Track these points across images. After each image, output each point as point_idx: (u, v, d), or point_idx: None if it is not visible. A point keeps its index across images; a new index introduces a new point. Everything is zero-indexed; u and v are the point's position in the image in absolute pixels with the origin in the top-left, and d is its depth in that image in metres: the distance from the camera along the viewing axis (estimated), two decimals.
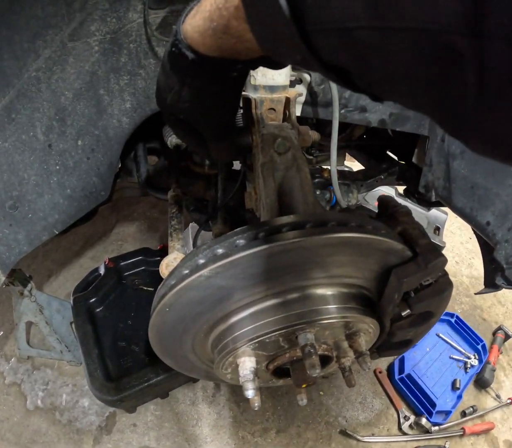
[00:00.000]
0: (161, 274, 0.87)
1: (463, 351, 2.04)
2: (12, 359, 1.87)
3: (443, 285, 0.74)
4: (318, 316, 0.69)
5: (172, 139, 1.35)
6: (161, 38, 1.06)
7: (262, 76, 0.89)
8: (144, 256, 1.87)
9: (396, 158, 1.80)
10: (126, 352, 1.62)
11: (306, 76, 1.15)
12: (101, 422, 1.67)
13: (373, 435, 1.77)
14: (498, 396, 1.95)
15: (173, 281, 0.67)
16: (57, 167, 1.22)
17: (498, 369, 2.01)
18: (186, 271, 0.66)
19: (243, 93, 0.89)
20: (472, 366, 1.98)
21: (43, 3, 1.05)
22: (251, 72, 0.86)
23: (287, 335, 0.69)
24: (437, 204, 1.57)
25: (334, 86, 1.10)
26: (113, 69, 1.15)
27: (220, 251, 0.63)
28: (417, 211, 2.39)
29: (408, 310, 0.79)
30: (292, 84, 1.14)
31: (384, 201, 0.89)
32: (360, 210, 0.94)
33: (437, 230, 2.36)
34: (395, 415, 1.84)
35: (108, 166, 1.31)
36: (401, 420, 1.81)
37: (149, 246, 2.25)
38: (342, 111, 1.21)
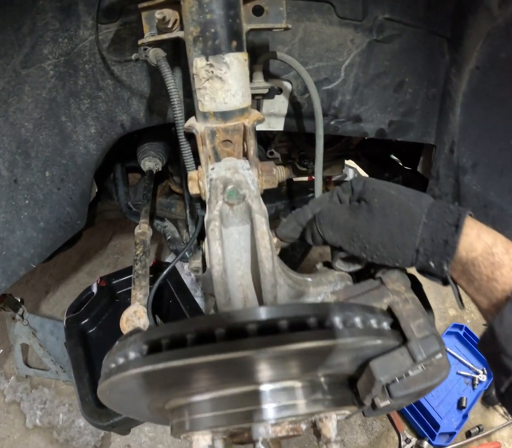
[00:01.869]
0: (121, 329, 0.81)
1: (471, 366, 1.90)
2: (12, 377, 1.87)
3: (437, 370, 0.56)
4: (276, 415, 0.55)
5: (145, 162, 1.27)
6: (109, 58, 0.95)
7: (210, 100, 0.68)
8: None
9: (400, 163, 1.68)
10: None
11: (287, 85, 1.02)
12: (96, 443, 1.65)
13: None
14: (506, 413, 1.80)
15: (106, 369, 0.60)
16: (27, 202, 1.15)
17: None
18: (113, 365, 0.53)
19: (186, 124, 0.72)
20: (480, 382, 1.83)
21: None
22: (198, 95, 0.69)
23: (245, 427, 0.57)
24: None
25: (315, 93, 0.93)
26: (72, 93, 1.06)
27: (134, 356, 0.50)
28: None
29: (387, 402, 0.60)
30: (271, 94, 1.01)
31: None
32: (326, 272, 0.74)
33: None
34: (396, 438, 1.72)
35: (81, 195, 1.24)
36: (402, 443, 1.69)
37: None
38: (332, 122, 1.08)
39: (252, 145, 0.69)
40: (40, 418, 1.73)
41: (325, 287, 0.68)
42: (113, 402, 0.65)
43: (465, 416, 1.72)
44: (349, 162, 2.01)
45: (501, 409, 1.80)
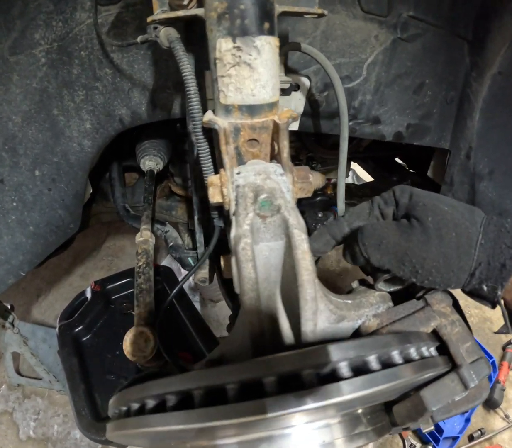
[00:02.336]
0: (125, 352, 0.67)
1: None
2: (3, 386, 1.71)
3: (479, 391, 0.53)
4: None
5: (145, 161, 1.12)
6: (109, 43, 0.81)
7: (236, 90, 0.53)
8: (132, 278, 1.66)
9: (406, 166, 1.56)
10: (115, 386, 1.45)
11: (305, 81, 0.91)
12: None
13: None
14: (507, 416, 1.78)
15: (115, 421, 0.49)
16: (14, 204, 1.01)
17: (508, 387, 1.81)
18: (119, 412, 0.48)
19: (205, 118, 0.56)
20: None
21: None
22: (220, 85, 0.55)
23: None
24: None
25: (341, 92, 0.80)
26: (66, 84, 0.92)
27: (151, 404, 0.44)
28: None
29: (432, 428, 0.61)
30: (287, 91, 0.90)
31: None
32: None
33: None
34: (401, 444, 1.66)
35: (74, 196, 1.09)
36: None
37: None
38: (350, 123, 0.97)
39: (285, 147, 0.56)
40: (34, 429, 1.59)
41: (366, 310, 0.59)
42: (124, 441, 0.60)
43: (467, 420, 1.70)
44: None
45: (501, 412, 1.73)
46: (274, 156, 0.60)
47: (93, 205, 1.31)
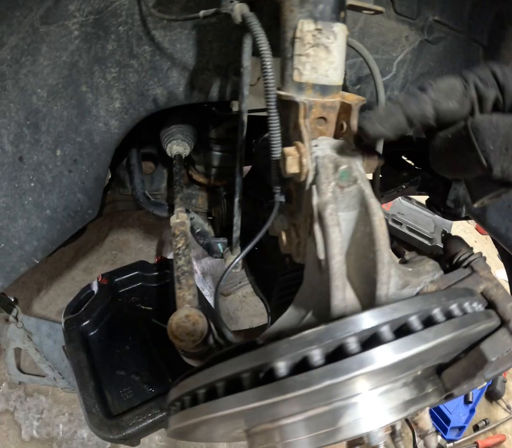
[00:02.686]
0: (169, 336, 0.59)
1: None
2: (3, 384, 1.59)
3: None
4: (392, 418, 0.48)
5: (172, 146, 1.04)
6: (160, 17, 0.76)
7: (312, 70, 0.56)
8: (140, 271, 1.56)
9: (413, 164, 1.53)
10: (126, 382, 1.35)
11: None
12: None
13: None
14: (508, 407, 1.82)
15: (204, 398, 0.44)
16: (32, 184, 0.92)
17: (509, 380, 1.84)
18: (222, 391, 0.41)
19: (284, 93, 0.59)
20: None
21: None
22: (295, 63, 0.57)
23: (353, 439, 0.49)
24: (465, 219, 1.32)
25: (380, 84, 0.80)
26: (98, 60, 0.85)
27: (283, 373, 0.38)
28: (423, 214, 2.15)
29: (484, 383, 0.61)
30: None
31: (453, 245, 0.68)
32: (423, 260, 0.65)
33: (444, 233, 2.13)
34: (411, 434, 1.62)
35: (95, 180, 1.00)
36: (416, 438, 1.60)
37: (145, 256, 1.97)
38: None
39: (355, 125, 0.58)
40: (37, 429, 1.47)
41: (424, 277, 0.61)
42: (187, 434, 0.55)
43: (472, 411, 1.75)
44: None
45: (503, 403, 1.76)
46: (341, 135, 0.61)
47: (108, 192, 1.21)
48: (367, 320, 0.39)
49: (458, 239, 0.68)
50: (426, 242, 2.21)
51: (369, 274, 0.52)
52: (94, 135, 0.93)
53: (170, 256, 1.82)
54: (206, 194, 1.21)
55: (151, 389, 1.32)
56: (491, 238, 1.23)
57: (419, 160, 1.54)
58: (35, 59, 0.81)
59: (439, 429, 1.64)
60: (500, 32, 0.95)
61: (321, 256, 0.51)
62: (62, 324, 1.45)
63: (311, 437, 0.47)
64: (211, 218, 1.20)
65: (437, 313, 0.42)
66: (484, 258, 0.64)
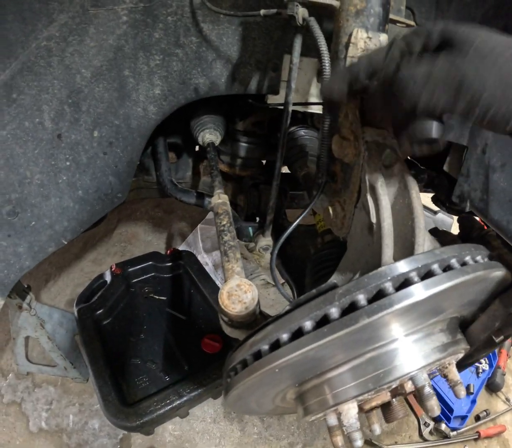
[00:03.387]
0: (221, 305, 0.60)
1: None
2: (10, 375, 1.52)
3: None
4: (432, 358, 0.52)
5: (205, 134, 1.05)
6: (217, 11, 0.78)
7: None
8: (153, 261, 1.55)
9: (418, 164, 1.57)
10: (141, 370, 1.32)
11: None
12: (114, 445, 1.36)
13: (396, 443, 1.59)
14: (507, 400, 1.83)
15: (267, 348, 0.47)
16: (68, 163, 0.91)
17: (507, 373, 1.87)
18: (286, 338, 0.45)
19: None
20: (483, 370, 1.83)
21: None
22: (348, 64, 0.63)
23: (400, 382, 0.53)
24: (470, 214, 1.36)
25: None
26: (143, 46, 0.86)
27: (364, 303, 0.43)
28: (424, 215, 2.18)
29: (502, 337, 0.66)
30: None
31: (467, 222, 0.79)
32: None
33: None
34: (416, 422, 1.65)
35: (128, 164, 0.99)
36: (422, 426, 1.65)
37: (155, 248, 1.94)
38: None
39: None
40: (46, 421, 1.40)
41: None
42: (247, 395, 0.56)
43: (473, 401, 1.75)
44: None
45: (502, 396, 1.87)
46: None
47: (132, 179, 1.19)
48: (419, 260, 0.46)
49: (472, 218, 0.77)
50: None
51: (407, 238, 0.58)
52: (131, 119, 0.93)
53: (180, 248, 1.81)
54: (231, 183, 1.21)
55: (167, 377, 1.30)
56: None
57: (424, 160, 1.59)
58: (82, 39, 0.81)
59: (443, 417, 1.66)
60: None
61: (374, 220, 0.58)
62: (75, 313, 1.41)
63: (360, 383, 0.50)
64: (235, 207, 1.20)
65: (469, 259, 0.49)
66: (496, 233, 0.73)
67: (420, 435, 1.62)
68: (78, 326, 1.37)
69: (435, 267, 0.46)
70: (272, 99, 0.98)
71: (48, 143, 0.85)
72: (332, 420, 0.54)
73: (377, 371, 0.50)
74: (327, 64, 0.65)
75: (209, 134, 1.04)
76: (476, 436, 1.64)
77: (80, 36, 0.80)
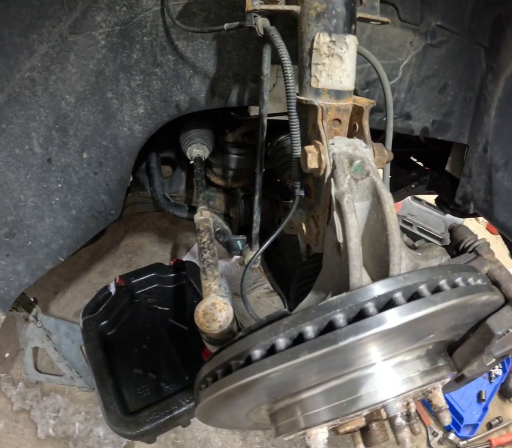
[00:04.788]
0: (196, 323, 0.62)
1: None
2: (20, 384, 1.60)
3: None
4: (407, 387, 0.51)
5: (192, 149, 1.07)
6: (185, 29, 0.79)
7: (327, 77, 0.62)
8: (157, 273, 1.60)
9: (421, 164, 1.55)
10: (143, 380, 1.36)
11: None
12: None
13: None
14: None
15: (239, 366, 0.46)
16: (59, 185, 0.94)
17: None
18: (258, 356, 0.44)
19: (303, 97, 0.64)
20: (496, 376, 1.79)
21: None
22: (312, 71, 0.63)
23: (370, 410, 0.52)
24: (474, 216, 1.33)
25: (388, 88, 0.86)
26: (123, 68, 0.89)
27: (311, 336, 0.42)
28: (433, 215, 2.16)
29: (493, 360, 0.64)
30: None
31: (458, 232, 0.74)
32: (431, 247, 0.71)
33: None
34: (424, 432, 1.63)
35: (119, 182, 1.03)
36: (430, 436, 1.62)
37: (160, 259, 1.98)
38: (385, 118, 0.98)
39: (366, 125, 0.64)
40: (54, 428, 1.46)
41: (432, 261, 0.65)
42: (218, 411, 0.57)
43: (485, 409, 1.72)
44: None
45: None
46: (354, 134, 0.65)
47: (128, 195, 1.23)
48: (383, 287, 0.43)
49: (463, 227, 0.73)
50: (436, 242, 2.23)
51: (382, 256, 0.55)
52: (118, 139, 0.96)
53: (185, 258, 1.84)
54: (223, 195, 1.24)
55: (168, 387, 1.33)
56: (501, 235, 1.24)
57: (427, 160, 1.56)
58: (63, 66, 0.84)
59: (452, 426, 1.62)
60: (500, 33, 0.99)
61: (340, 239, 0.55)
62: (80, 324, 1.46)
63: (331, 408, 0.50)
64: (228, 218, 1.22)
65: (443, 283, 0.46)
66: (488, 244, 0.69)
67: (428, 445, 1.59)
68: (83, 337, 1.42)
69: (398, 295, 0.43)
70: (255, 111, 0.99)
71: (39, 167, 0.89)
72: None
73: (351, 396, 0.49)
74: (289, 75, 0.62)
75: (196, 149, 1.06)
76: (488, 445, 1.61)
77: (61, 63, 0.83)
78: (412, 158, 1.61)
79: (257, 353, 0.44)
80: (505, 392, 1.77)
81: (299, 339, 0.42)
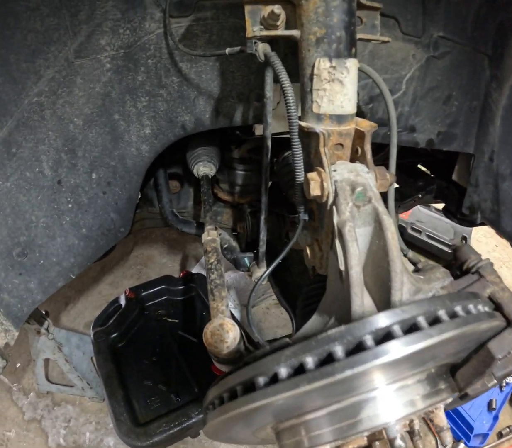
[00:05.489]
0: (205, 343, 0.63)
1: None
2: (31, 394, 1.62)
3: None
4: (407, 411, 0.51)
5: (199, 167, 1.09)
6: (188, 52, 0.81)
7: (329, 102, 0.62)
8: (166, 285, 1.61)
9: (429, 172, 1.54)
10: (153, 392, 1.37)
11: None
12: None
13: None
14: None
15: (243, 392, 0.48)
16: (70, 206, 0.96)
17: None
18: (262, 383, 0.46)
19: (305, 124, 0.64)
20: (507, 384, 1.75)
21: (42, 15, 0.80)
22: (314, 96, 0.63)
23: (372, 431, 0.53)
24: (481, 225, 1.32)
25: (391, 103, 0.86)
26: (129, 90, 0.91)
27: (311, 367, 0.43)
28: (443, 221, 2.15)
29: (494, 381, 0.64)
30: None
31: (462, 252, 0.74)
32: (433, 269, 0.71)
33: (464, 239, 2.12)
34: (433, 442, 1.61)
35: (127, 200, 1.05)
36: (439, 446, 1.59)
37: (170, 270, 2.00)
38: (388, 132, 0.99)
39: (369, 150, 0.63)
40: (64, 437, 1.48)
41: (435, 283, 0.66)
42: (222, 430, 0.58)
43: (495, 418, 1.68)
44: None
45: None
46: (356, 158, 0.66)
47: (137, 211, 1.25)
48: (381, 320, 0.44)
49: (467, 247, 0.73)
50: (445, 249, 2.20)
51: (384, 282, 0.56)
52: (126, 159, 0.98)
53: (194, 270, 1.86)
54: (231, 211, 1.25)
55: (178, 398, 1.35)
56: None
57: (434, 169, 1.56)
58: (70, 90, 0.86)
59: (462, 436, 1.60)
60: (503, 41, 0.99)
61: (342, 267, 0.56)
62: (91, 336, 1.49)
63: (334, 429, 0.51)
64: (236, 233, 1.23)
65: (442, 314, 0.46)
66: (492, 264, 0.70)
67: None
68: (94, 349, 1.44)
69: (396, 328, 0.43)
70: (260, 129, 1.00)
71: (49, 189, 0.91)
72: None
73: (353, 419, 0.50)
74: (291, 103, 0.62)
75: (203, 167, 1.08)
76: None
77: (68, 87, 0.85)
78: (419, 166, 1.61)
79: (261, 380, 0.46)
80: None
81: (300, 369, 0.44)
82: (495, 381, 0.64)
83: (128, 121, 0.93)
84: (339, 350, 0.43)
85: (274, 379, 0.45)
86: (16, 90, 0.82)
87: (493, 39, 1.00)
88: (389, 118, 0.88)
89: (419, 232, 2.27)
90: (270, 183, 1.33)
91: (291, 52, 0.85)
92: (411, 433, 0.59)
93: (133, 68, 0.87)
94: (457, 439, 1.61)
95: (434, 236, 2.22)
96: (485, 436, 1.61)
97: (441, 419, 0.58)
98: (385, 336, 0.44)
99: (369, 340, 0.43)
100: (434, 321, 0.46)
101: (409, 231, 2.31)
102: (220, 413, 0.50)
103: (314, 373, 0.42)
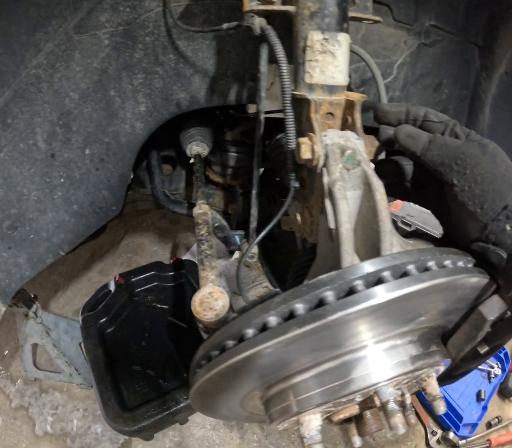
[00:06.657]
0: (193, 312, 0.63)
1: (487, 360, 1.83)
2: (18, 381, 1.61)
3: None
4: (399, 371, 0.50)
5: (192, 147, 1.10)
6: (187, 29, 0.83)
7: (320, 73, 0.65)
8: (156, 271, 1.62)
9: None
10: (141, 377, 1.37)
11: None
12: None
13: None
14: None
15: (233, 345, 0.47)
16: (62, 180, 0.97)
17: None
18: (251, 334, 0.45)
19: (298, 92, 0.67)
20: (495, 375, 1.80)
21: None
22: (306, 67, 0.66)
23: (363, 393, 0.52)
24: None
25: (382, 85, 0.89)
26: (126, 66, 0.92)
27: (301, 312, 0.43)
28: (432, 216, 2.17)
29: (487, 347, 0.62)
30: None
31: None
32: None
33: None
34: (423, 431, 1.64)
35: (120, 178, 1.06)
36: (429, 435, 1.63)
37: (160, 258, 2.00)
38: None
39: (358, 118, 0.66)
40: (52, 425, 1.47)
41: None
42: (212, 394, 0.57)
43: (484, 408, 1.72)
44: None
45: None
46: (347, 127, 0.68)
47: (129, 192, 1.26)
48: (372, 266, 0.44)
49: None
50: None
51: (374, 244, 0.57)
52: (120, 136, 0.99)
53: (184, 257, 1.87)
54: (222, 193, 1.26)
55: (166, 383, 1.35)
56: None
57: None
58: (68, 64, 0.88)
59: (451, 426, 1.62)
60: (493, 33, 1.03)
61: (332, 225, 0.57)
62: (80, 321, 1.48)
63: (323, 391, 0.50)
64: (227, 216, 1.25)
65: (432, 264, 0.46)
66: None
67: (427, 444, 1.60)
68: (82, 334, 1.44)
69: (387, 274, 0.44)
70: (253, 108, 1.02)
71: (42, 162, 0.92)
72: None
73: (343, 379, 0.49)
74: (285, 72, 0.65)
75: (196, 146, 1.10)
76: (487, 445, 1.61)
77: (66, 62, 0.87)
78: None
79: (249, 331, 0.45)
80: (504, 392, 1.78)
81: (290, 317, 0.44)
82: (487, 348, 0.62)
83: (124, 98, 0.95)
84: (330, 295, 0.43)
85: (264, 329, 0.44)
86: (15, 61, 0.83)
87: (483, 30, 1.04)
88: (380, 100, 0.92)
89: (409, 226, 2.31)
90: (262, 170, 1.37)
91: (286, 34, 0.88)
92: (402, 406, 0.57)
93: (131, 45, 0.89)
94: (446, 428, 1.65)
95: (424, 230, 2.25)
96: (474, 426, 1.65)
97: (434, 387, 0.57)
98: (376, 282, 0.44)
99: (360, 285, 0.43)
100: (424, 270, 0.46)
101: (400, 224, 2.34)
102: (208, 370, 0.49)
103: (305, 316, 0.41)
